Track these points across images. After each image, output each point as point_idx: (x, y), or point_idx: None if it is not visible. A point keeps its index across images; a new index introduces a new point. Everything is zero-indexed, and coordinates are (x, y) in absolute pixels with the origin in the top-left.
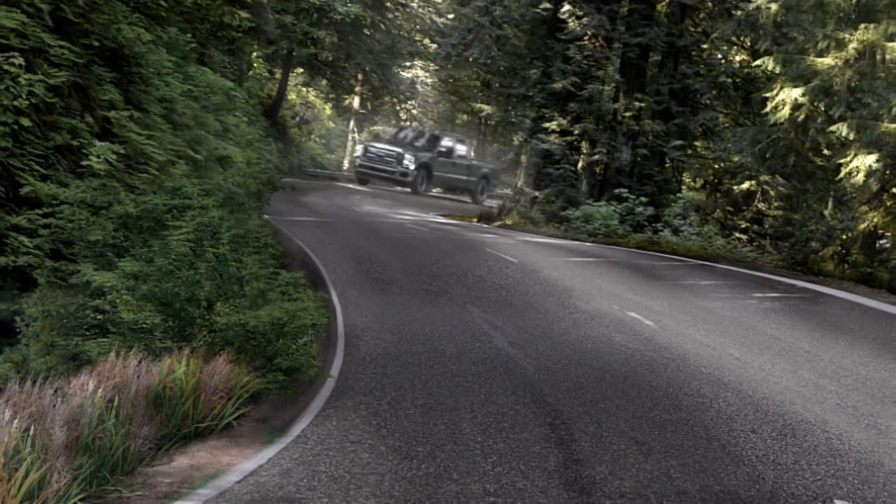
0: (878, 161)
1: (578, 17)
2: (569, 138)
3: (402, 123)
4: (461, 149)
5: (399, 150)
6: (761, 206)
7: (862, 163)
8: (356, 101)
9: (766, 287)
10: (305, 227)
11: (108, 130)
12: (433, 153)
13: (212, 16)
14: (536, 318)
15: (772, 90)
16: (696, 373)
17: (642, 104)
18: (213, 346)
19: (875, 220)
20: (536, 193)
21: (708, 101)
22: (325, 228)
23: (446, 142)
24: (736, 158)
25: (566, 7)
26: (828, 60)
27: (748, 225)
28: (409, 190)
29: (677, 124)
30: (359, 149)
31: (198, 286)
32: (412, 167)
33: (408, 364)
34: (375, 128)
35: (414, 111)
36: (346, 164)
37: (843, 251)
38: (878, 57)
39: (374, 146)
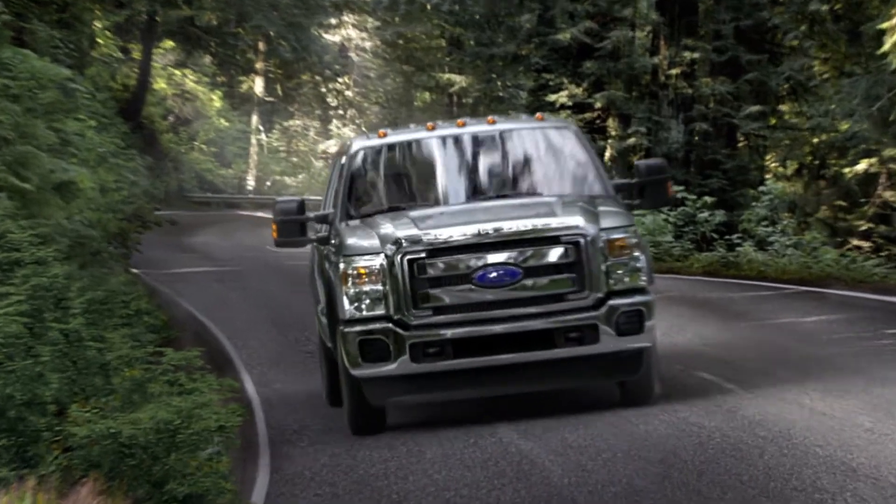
0: None
1: None
2: (588, 115)
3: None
4: None
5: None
6: (887, 195)
7: None
8: (259, 85)
9: None
10: (197, 282)
11: None
12: None
13: None
14: (556, 391)
15: (890, 18)
16: (808, 456)
17: (695, 54)
18: (70, 471)
19: None
20: None
21: (795, 43)
22: (228, 281)
23: None
24: (844, 126)
25: None
26: None
27: (870, 226)
28: None
29: (751, 81)
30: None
31: (40, 382)
32: None
33: (368, 477)
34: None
35: (348, 92)
36: (250, 182)
37: None
38: None
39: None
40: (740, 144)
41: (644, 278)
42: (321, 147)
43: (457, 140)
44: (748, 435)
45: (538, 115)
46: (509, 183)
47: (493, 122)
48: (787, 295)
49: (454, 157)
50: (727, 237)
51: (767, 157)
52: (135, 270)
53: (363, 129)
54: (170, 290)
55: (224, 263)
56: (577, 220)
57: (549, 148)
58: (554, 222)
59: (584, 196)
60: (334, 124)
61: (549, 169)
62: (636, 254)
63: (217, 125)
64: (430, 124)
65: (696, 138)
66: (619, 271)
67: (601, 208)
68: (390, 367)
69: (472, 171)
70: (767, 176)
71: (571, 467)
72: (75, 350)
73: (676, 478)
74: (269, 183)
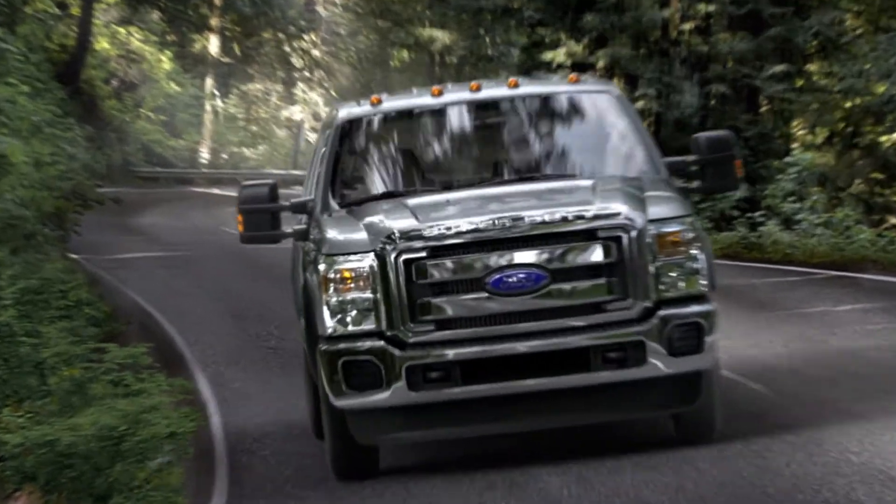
0: None
1: None
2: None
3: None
4: None
5: None
6: None
7: None
8: (214, 44)
9: None
10: (144, 269)
11: None
12: None
13: None
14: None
15: None
16: (840, 464)
17: (711, 7)
18: (2, 484)
19: None
20: None
21: None
22: (178, 268)
23: None
24: (881, 88)
25: None
26: None
27: None
28: None
29: (774, 38)
30: None
31: None
32: None
33: (340, 491)
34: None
35: (315, 52)
36: (204, 155)
37: None
38: None
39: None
40: (763, 109)
41: (704, 283)
42: (284, 114)
43: (469, 108)
44: (773, 440)
45: (572, 75)
46: (534, 162)
47: (515, 86)
48: (817, 280)
49: (465, 129)
50: (749, 215)
51: (794, 123)
52: (74, 256)
53: (332, 93)
54: (113, 277)
55: (175, 247)
56: (619, 209)
57: (586, 117)
58: (590, 211)
59: (629, 178)
60: (299, 88)
61: (585, 144)
62: (694, 252)
63: (166, 90)
64: (435, 88)
65: (713, 102)
66: (673, 274)
67: (650, 193)
68: (382, 397)
69: (487, 148)
70: (794, 145)
71: (572, 478)
72: (6, 346)
73: (691, 490)
74: (225, 155)
